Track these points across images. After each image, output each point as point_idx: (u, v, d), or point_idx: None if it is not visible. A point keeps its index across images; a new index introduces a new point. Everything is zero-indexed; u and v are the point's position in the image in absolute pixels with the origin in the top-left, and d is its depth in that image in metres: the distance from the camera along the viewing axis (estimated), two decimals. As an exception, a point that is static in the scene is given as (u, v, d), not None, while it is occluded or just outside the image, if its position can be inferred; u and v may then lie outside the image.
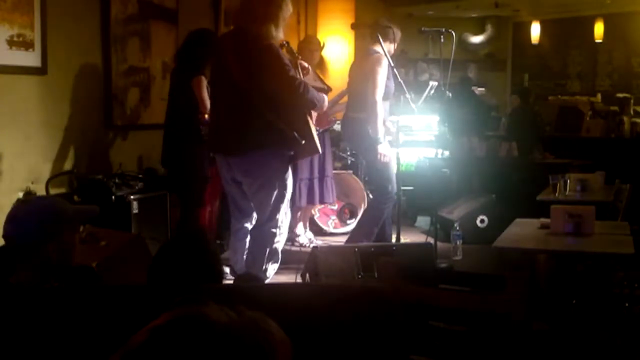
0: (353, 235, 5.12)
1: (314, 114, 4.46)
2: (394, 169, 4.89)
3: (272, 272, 4.11)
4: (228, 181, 4.11)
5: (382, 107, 4.79)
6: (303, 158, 4.12)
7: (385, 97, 4.87)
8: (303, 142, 3.93)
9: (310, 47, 5.59)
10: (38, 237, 2.12)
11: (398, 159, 4.88)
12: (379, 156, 4.79)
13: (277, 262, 4.11)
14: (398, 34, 4.92)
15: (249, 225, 4.17)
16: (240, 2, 4.17)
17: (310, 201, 5.74)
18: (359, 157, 6.30)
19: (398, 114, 5.22)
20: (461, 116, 7.06)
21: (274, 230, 4.00)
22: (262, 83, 3.82)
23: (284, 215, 4.04)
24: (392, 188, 4.88)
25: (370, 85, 4.78)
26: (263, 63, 3.82)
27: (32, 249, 2.11)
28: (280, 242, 4.07)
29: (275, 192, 3.95)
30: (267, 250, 4.02)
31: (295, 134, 3.90)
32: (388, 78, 4.85)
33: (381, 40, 4.69)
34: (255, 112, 3.85)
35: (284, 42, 4.54)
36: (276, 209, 3.98)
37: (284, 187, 3.98)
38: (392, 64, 4.79)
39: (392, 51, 4.94)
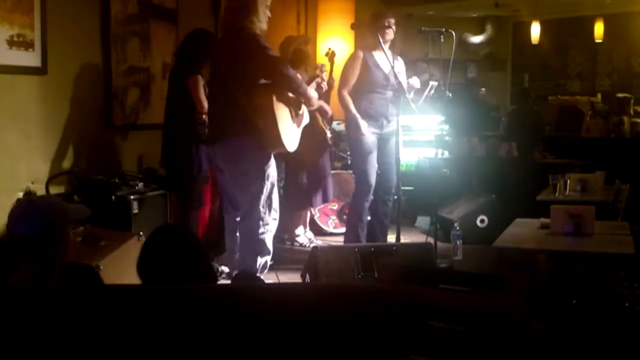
0: (345, 235, 5.19)
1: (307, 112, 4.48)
2: (371, 164, 4.92)
3: (260, 265, 4.14)
4: (218, 171, 4.25)
5: (347, 98, 4.91)
6: (270, 151, 4.14)
7: (368, 89, 4.91)
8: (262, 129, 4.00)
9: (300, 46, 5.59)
10: (49, 237, 2.12)
11: (398, 158, 4.87)
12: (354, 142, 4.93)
13: (268, 254, 4.15)
14: (389, 19, 4.92)
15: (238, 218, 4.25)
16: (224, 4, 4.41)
17: (325, 199, 5.79)
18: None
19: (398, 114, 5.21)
20: (462, 116, 7.06)
21: (257, 222, 4.06)
22: (243, 69, 3.96)
23: (267, 208, 4.09)
24: (368, 181, 4.91)
25: (339, 81, 5.00)
26: (243, 49, 3.97)
27: (41, 249, 2.11)
28: (266, 235, 4.11)
29: (254, 184, 4.03)
30: (254, 243, 4.08)
31: (257, 120, 3.97)
32: (368, 71, 4.89)
33: (380, 39, 4.71)
34: (232, 99, 3.99)
35: (330, 50, 5.27)
36: (255, 200, 4.04)
37: (262, 179, 4.04)
38: (389, 57, 4.80)
39: (392, 36, 4.94)
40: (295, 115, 4.24)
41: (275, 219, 4.18)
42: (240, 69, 3.98)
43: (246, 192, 4.07)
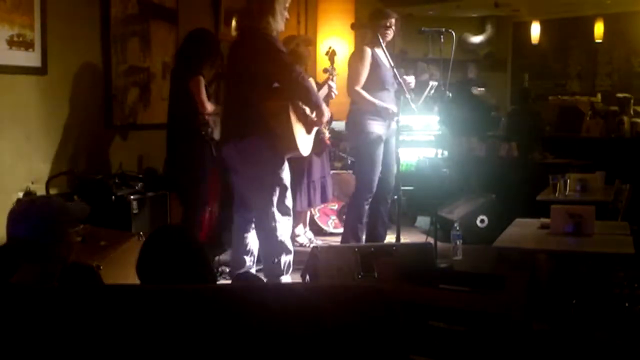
0: (342, 235, 5.17)
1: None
2: (377, 165, 4.89)
3: (285, 265, 4.13)
4: (232, 171, 4.22)
5: (363, 93, 4.84)
6: (285, 154, 4.12)
7: (379, 88, 4.88)
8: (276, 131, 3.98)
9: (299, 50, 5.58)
10: (50, 238, 2.12)
11: (398, 158, 4.87)
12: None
13: (289, 253, 4.15)
14: (391, 20, 4.91)
15: (249, 220, 4.23)
16: (244, 4, 4.40)
17: (325, 199, 5.78)
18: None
19: (398, 114, 5.21)
20: (460, 116, 7.07)
21: (272, 224, 4.06)
22: (257, 70, 3.96)
23: (281, 210, 4.07)
24: (371, 183, 4.89)
25: (349, 77, 4.94)
26: (259, 50, 3.97)
27: (42, 250, 2.11)
28: (283, 234, 4.10)
29: (267, 185, 4.02)
30: (272, 244, 4.08)
31: (271, 122, 3.96)
32: (378, 67, 4.87)
33: (380, 39, 4.72)
34: (247, 100, 3.98)
35: (330, 49, 5.11)
36: (268, 202, 4.03)
37: (276, 182, 4.04)
38: (388, 56, 4.81)
39: (392, 34, 4.95)
40: (308, 120, 4.22)
41: (289, 219, 4.17)
42: (255, 70, 3.96)
43: (259, 194, 4.05)
